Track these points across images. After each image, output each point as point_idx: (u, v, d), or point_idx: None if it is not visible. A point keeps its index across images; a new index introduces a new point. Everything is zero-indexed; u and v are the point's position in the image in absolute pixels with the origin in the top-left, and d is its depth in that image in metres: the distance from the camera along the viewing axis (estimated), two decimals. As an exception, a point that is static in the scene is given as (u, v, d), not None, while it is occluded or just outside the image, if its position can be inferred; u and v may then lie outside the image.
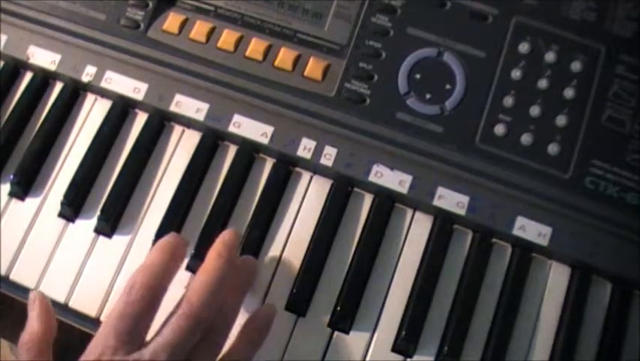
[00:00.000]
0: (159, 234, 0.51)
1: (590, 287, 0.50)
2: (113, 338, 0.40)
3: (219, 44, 0.55)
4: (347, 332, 0.49)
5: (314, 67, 0.54)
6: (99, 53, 0.56)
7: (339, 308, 0.49)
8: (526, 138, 0.51)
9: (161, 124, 0.55)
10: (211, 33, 0.55)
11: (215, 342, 0.44)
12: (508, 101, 0.52)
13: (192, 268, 0.51)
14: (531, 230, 0.50)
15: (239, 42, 0.55)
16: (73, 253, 0.52)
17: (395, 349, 0.49)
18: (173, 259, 0.45)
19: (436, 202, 0.51)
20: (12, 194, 0.53)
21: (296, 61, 0.54)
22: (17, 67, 0.58)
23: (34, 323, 0.44)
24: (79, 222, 0.53)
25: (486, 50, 0.53)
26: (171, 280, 0.44)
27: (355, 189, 0.53)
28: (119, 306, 0.42)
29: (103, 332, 0.41)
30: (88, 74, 0.55)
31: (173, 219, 0.51)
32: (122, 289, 0.43)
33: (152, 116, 0.55)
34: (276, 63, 0.54)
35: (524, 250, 0.51)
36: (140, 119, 0.56)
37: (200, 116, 0.54)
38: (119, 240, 0.52)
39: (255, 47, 0.55)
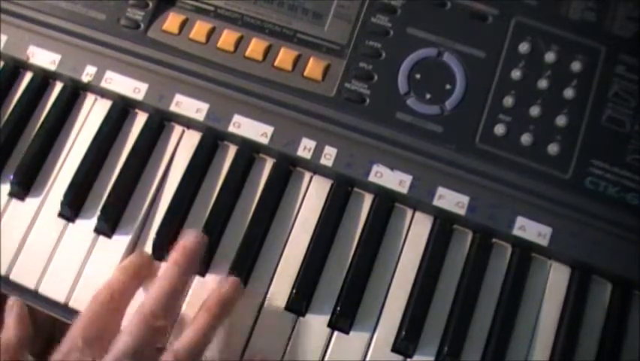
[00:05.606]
0: (159, 234, 0.51)
1: (590, 287, 0.50)
2: (81, 341, 0.43)
3: (219, 44, 0.55)
4: (347, 332, 0.49)
5: (314, 67, 0.54)
6: (99, 53, 0.55)
7: (339, 308, 0.49)
8: (526, 138, 0.51)
9: (161, 124, 0.55)
10: (211, 33, 0.55)
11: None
12: (508, 101, 0.52)
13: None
14: (531, 230, 0.50)
15: (239, 42, 0.55)
16: (73, 253, 0.52)
17: (395, 349, 0.49)
18: (135, 277, 0.48)
19: (436, 202, 0.51)
20: (12, 194, 0.53)
21: (296, 61, 0.54)
22: (17, 67, 0.58)
23: (10, 330, 0.47)
24: (79, 222, 0.53)
25: (486, 50, 0.53)
26: (132, 296, 0.47)
27: (355, 189, 0.53)
28: (88, 313, 0.45)
29: (72, 334, 0.44)
30: (88, 74, 0.55)
31: (173, 220, 0.51)
32: None
33: (152, 116, 0.55)
34: (276, 63, 0.54)
35: (524, 250, 0.51)
36: (140, 119, 0.56)
37: (200, 116, 0.54)
38: (119, 240, 0.52)
39: (255, 47, 0.55)
